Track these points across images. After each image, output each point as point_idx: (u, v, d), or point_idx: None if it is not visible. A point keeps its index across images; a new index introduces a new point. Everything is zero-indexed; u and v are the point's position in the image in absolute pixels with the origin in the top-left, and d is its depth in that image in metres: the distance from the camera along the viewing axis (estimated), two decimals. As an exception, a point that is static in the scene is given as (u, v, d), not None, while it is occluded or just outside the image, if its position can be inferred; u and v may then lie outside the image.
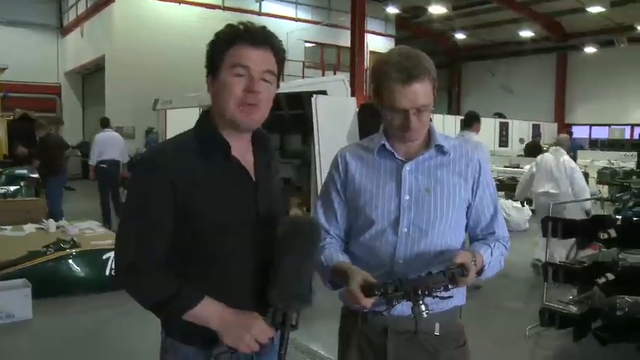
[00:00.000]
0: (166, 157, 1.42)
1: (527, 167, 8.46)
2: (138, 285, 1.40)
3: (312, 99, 6.45)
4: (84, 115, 19.25)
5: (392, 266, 1.63)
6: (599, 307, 3.96)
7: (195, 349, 1.44)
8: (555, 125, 19.40)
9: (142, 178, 1.43)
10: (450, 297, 1.50)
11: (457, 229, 1.69)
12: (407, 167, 1.66)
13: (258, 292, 1.41)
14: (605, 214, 4.81)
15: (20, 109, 14.44)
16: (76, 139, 17.00)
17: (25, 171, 8.69)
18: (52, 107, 18.58)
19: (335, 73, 16.98)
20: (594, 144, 17.95)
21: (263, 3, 17.70)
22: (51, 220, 6.66)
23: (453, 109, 23.94)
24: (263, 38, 1.44)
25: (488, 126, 14.28)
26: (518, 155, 13.98)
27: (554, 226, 4.26)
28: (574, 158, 7.28)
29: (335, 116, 6.57)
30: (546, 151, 7.52)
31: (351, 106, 7.03)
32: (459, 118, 14.46)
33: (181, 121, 9.52)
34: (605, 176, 10.44)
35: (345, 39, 16.22)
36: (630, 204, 5.31)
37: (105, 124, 9.16)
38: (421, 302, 1.45)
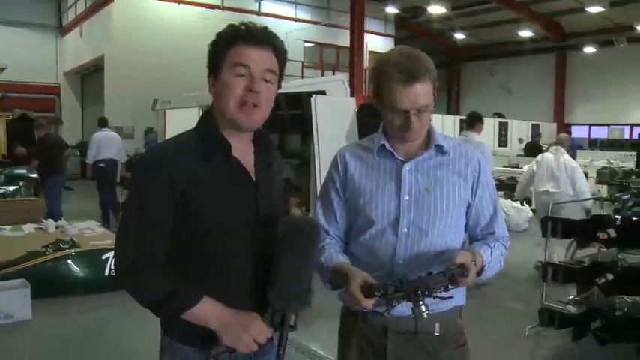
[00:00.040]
0: (167, 156, 1.42)
1: (526, 167, 8.46)
2: (137, 284, 1.40)
3: (312, 99, 6.45)
4: (83, 115, 19.22)
5: (392, 266, 1.62)
6: (599, 307, 3.96)
7: (195, 350, 1.44)
8: (554, 125, 19.41)
9: (143, 178, 1.44)
10: (450, 297, 1.50)
11: (457, 229, 1.69)
12: (406, 167, 1.65)
13: (257, 292, 1.41)
14: (605, 214, 4.82)
15: (19, 109, 14.41)
16: (75, 139, 16.97)
17: (24, 171, 8.67)
18: (51, 107, 18.54)
19: (334, 73, 16.96)
20: (593, 144, 17.96)
21: (262, 3, 17.69)
22: (50, 220, 6.65)
23: (452, 109, 23.95)
24: (264, 38, 1.44)
25: (488, 126, 14.18)
26: (518, 155, 13.97)
27: (554, 226, 4.26)
28: (573, 158, 7.28)
29: (334, 116, 6.57)
30: (546, 150, 7.53)
31: (351, 106, 7.03)
32: (458, 118, 14.47)
33: (180, 121, 9.52)
34: (605, 176, 10.44)
35: (344, 39, 16.21)
36: (629, 204, 5.31)
37: (103, 123, 9.15)
38: (421, 303, 1.45)
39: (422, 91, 1.55)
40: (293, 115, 7.73)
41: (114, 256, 1.47)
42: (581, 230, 4.26)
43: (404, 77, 1.53)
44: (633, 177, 7.80)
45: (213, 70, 1.45)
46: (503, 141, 16.00)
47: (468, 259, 1.52)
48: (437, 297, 1.47)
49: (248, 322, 1.38)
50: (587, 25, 19.09)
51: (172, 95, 11.41)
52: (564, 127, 19.63)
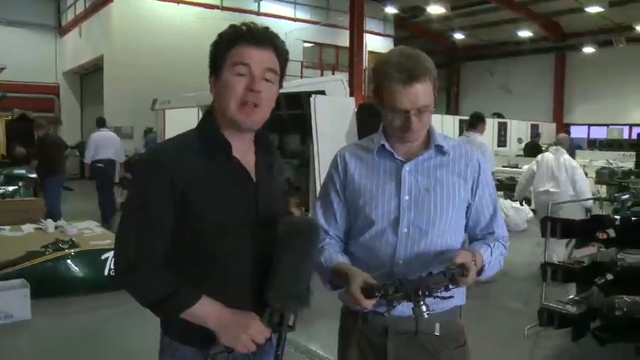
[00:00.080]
0: (167, 156, 1.42)
1: (525, 167, 8.46)
2: (137, 284, 1.40)
3: (311, 99, 6.44)
4: (82, 115, 19.21)
5: (392, 266, 1.62)
6: (598, 307, 3.96)
7: (194, 350, 1.44)
8: (554, 125, 19.44)
9: (143, 178, 1.44)
10: (450, 297, 1.51)
11: (457, 229, 1.69)
12: (406, 167, 1.65)
13: (257, 292, 1.40)
14: (604, 214, 4.82)
15: (18, 109, 14.42)
16: (75, 139, 16.96)
17: (23, 171, 8.67)
18: (51, 107, 18.53)
19: (334, 73, 16.98)
20: (593, 144, 18.00)
21: (262, 3, 17.69)
22: (49, 220, 6.65)
23: (451, 109, 23.96)
24: (265, 38, 1.44)
25: (487, 126, 14.19)
26: (517, 155, 13.99)
27: (553, 226, 4.26)
28: (572, 158, 7.28)
29: (334, 116, 6.57)
30: (546, 150, 7.53)
31: (350, 106, 7.03)
32: (458, 118, 14.49)
33: (180, 121, 9.54)
34: (604, 176, 10.43)
35: (343, 39, 16.21)
36: (629, 204, 5.31)
37: (101, 123, 9.14)
38: (422, 303, 1.45)
39: (422, 91, 1.55)
40: (292, 115, 7.72)
41: (114, 256, 1.47)
42: (581, 230, 4.26)
43: (404, 77, 1.53)
44: (632, 177, 7.82)
45: (215, 70, 1.45)
46: (502, 141, 16.03)
47: (468, 259, 1.52)
48: (437, 297, 1.47)
49: (246, 322, 1.38)
50: (586, 25, 19.11)
51: (172, 95, 11.41)
52: (563, 127, 19.66)
